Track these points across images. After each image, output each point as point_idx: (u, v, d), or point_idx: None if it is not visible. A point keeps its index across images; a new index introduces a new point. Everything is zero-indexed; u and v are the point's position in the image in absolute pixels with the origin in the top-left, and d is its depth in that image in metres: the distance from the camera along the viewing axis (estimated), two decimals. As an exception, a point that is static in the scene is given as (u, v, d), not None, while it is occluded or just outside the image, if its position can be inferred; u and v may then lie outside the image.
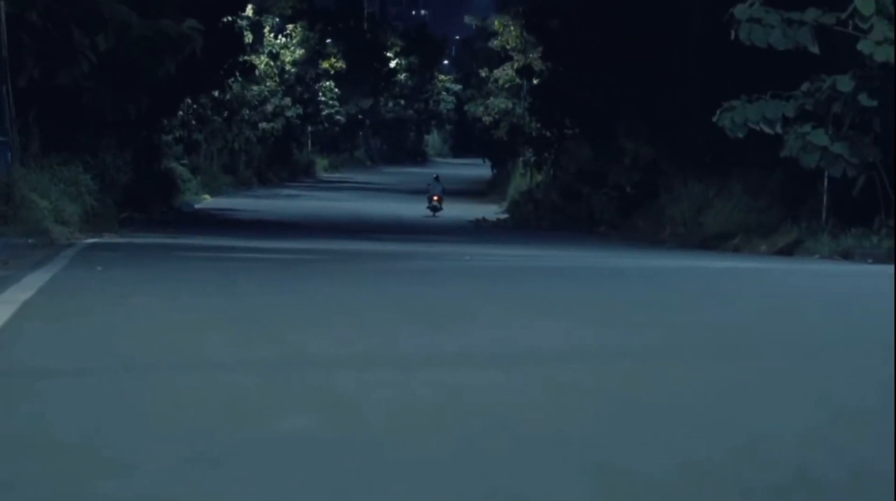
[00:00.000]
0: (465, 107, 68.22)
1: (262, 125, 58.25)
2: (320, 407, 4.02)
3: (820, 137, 19.28)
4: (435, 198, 43.07)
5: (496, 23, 55.99)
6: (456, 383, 4.53)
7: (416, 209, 44.06)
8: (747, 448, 3.48)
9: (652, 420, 3.90)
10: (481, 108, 60.32)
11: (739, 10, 19.45)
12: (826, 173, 20.35)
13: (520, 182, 46.03)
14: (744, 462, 3.30)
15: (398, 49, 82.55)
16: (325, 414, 3.92)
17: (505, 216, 40.53)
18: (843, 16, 18.85)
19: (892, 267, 14.26)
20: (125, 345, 5.65)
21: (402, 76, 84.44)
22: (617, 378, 4.78)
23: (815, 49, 19.38)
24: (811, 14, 19.30)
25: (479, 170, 66.84)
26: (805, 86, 19.62)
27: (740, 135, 20.27)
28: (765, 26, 19.43)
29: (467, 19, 65.06)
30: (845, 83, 18.91)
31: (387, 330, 6.23)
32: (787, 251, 19.83)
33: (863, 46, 18.50)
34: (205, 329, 6.27)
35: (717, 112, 20.28)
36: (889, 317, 6.79)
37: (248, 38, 51.12)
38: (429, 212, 42.00)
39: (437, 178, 45.25)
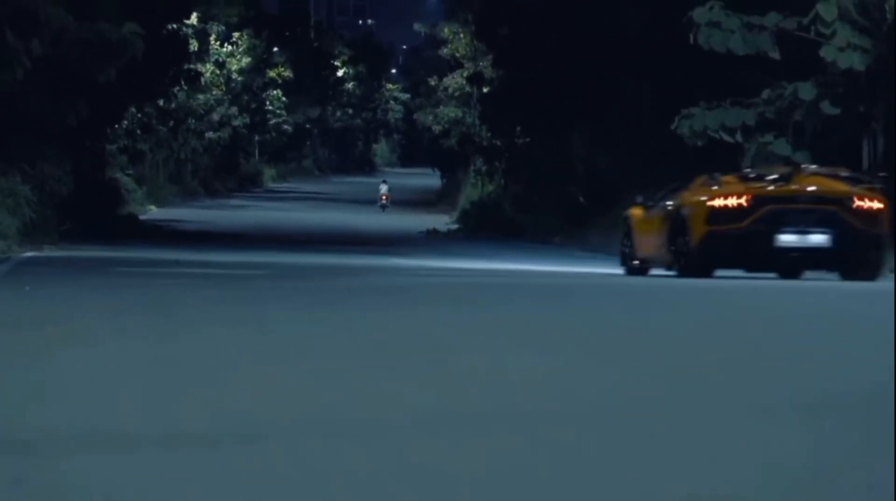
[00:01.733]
0: (414, 116, 67.57)
1: (209, 134, 57.41)
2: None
3: (782, 146, 18.83)
4: (383, 197, 53.73)
5: (446, 30, 55.37)
6: (448, 466, 3.04)
7: (365, 219, 43.53)
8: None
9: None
10: (431, 117, 59.72)
11: (698, 14, 18.99)
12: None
13: (471, 191, 45.45)
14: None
15: (345, 58, 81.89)
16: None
17: (456, 226, 39.94)
18: (805, 21, 18.41)
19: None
20: (16, 407, 4.04)
21: (350, 85, 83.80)
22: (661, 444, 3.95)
23: (775, 54, 18.95)
24: (772, 19, 18.87)
25: (428, 179, 66.16)
26: (766, 94, 19.18)
27: (699, 143, 19.81)
28: (724, 30, 18.97)
29: (416, 27, 64.46)
30: (807, 90, 18.48)
31: (351, 381, 4.67)
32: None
33: (825, 52, 18.08)
34: (127, 381, 4.75)
35: (676, 119, 19.80)
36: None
37: (194, 46, 50.26)
38: (379, 209, 52.56)
39: (384, 181, 56.62)
